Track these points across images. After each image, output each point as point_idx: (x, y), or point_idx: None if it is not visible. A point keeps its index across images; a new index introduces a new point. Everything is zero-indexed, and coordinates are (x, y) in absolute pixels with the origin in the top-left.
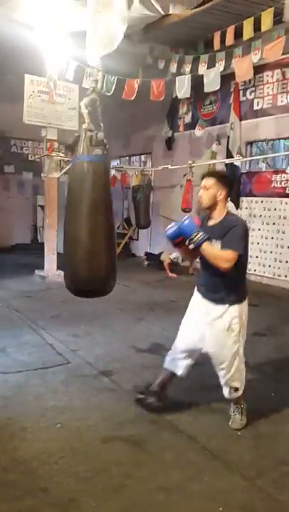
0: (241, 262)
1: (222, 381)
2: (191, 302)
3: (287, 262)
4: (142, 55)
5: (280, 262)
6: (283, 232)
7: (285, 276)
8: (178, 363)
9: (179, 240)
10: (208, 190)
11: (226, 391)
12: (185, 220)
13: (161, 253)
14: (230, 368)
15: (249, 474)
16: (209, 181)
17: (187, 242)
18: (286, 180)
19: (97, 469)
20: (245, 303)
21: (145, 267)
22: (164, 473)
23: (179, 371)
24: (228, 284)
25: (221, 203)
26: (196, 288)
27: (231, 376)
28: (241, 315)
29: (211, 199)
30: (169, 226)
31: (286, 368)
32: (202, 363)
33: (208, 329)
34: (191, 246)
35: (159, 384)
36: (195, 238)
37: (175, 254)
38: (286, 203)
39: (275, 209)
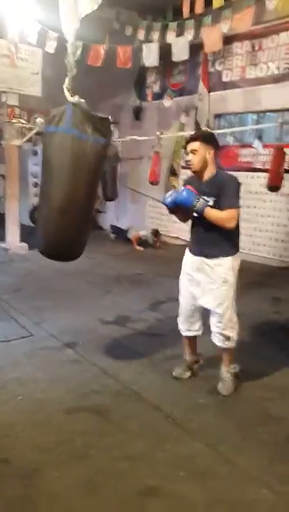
0: (237, 218)
1: (214, 329)
2: (183, 265)
3: (251, 235)
4: (108, 19)
5: (245, 235)
6: (248, 207)
7: (249, 249)
8: (192, 327)
9: (175, 208)
10: (197, 153)
11: (218, 339)
12: (183, 191)
13: (128, 229)
14: (223, 317)
15: (210, 441)
16: (195, 144)
17: (190, 211)
18: (253, 154)
19: (61, 440)
20: (237, 256)
21: (112, 240)
22: (127, 442)
23: (197, 332)
24: (221, 238)
25: (211, 162)
26: (187, 250)
27: (224, 324)
28: (235, 267)
29: (201, 161)
30: (168, 194)
31: (249, 339)
32: (165, 334)
33: (204, 282)
34: (195, 214)
35: (190, 353)
36: (198, 206)
37: (144, 232)
38: (252, 178)
39: (242, 183)
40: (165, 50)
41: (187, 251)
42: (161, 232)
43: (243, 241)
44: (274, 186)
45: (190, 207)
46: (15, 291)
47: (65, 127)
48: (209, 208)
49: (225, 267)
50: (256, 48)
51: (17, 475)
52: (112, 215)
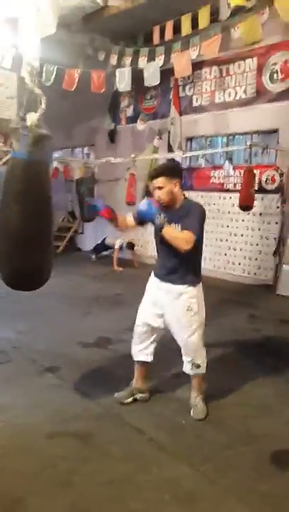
0: (197, 245)
1: (183, 357)
2: (147, 288)
3: (225, 254)
4: (82, 45)
5: (219, 254)
6: (222, 226)
7: (224, 268)
8: (146, 350)
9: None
10: (163, 189)
11: (187, 367)
12: (145, 204)
13: (104, 239)
14: (188, 345)
15: (194, 462)
16: (160, 181)
17: (151, 222)
18: (224, 176)
19: (43, 466)
20: (200, 286)
21: (93, 261)
22: (111, 466)
23: (149, 358)
24: (185, 266)
25: (178, 193)
26: (152, 274)
27: (191, 352)
28: (199, 296)
29: (169, 195)
30: (142, 203)
31: (227, 357)
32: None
33: (169, 308)
34: (154, 231)
35: (138, 379)
36: (157, 222)
37: (120, 241)
38: (224, 198)
39: (215, 204)
40: (137, 75)
41: (152, 274)
42: (137, 252)
43: (218, 260)
44: (245, 206)
45: (150, 220)
46: None
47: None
48: (169, 226)
49: (189, 295)
50: (224, 73)
51: None
52: (90, 236)
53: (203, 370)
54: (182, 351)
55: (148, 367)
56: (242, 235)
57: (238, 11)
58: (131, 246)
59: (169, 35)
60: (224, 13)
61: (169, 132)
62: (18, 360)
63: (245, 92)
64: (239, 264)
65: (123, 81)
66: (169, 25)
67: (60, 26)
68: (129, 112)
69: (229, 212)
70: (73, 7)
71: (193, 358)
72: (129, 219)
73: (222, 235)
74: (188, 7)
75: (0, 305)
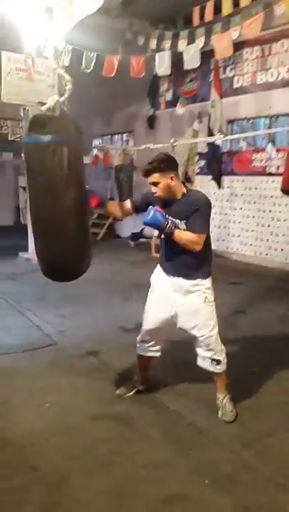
0: (208, 240)
1: (203, 354)
2: (154, 284)
3: (267, 240)
4: (120, 30)
5: (261, 240)
6: (264, 211)
7: (266, 254)
8: (154, 348)
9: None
10: (159, 185)
11: (206, 363)
12: (150, 212)
13: (142, 229)
14: (210, 339)
15: (234, 447)
16: (154, 177)
17: (159, 232)
18: (266, 159)
19: (86, 447)
20: (210, 279)
21: (132, 248)
22: (151, 449)
23: (158, 353)
24: (195, 259)
25: (177, 185)
26: (159, 269)
27: (212, 348)
28: (211, 288)
29: (166, 189)
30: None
31: (265, 343)
32: (184, 341)
33: (183, 305)
34: (163, 236)
35: (141, 372)
36: (167, 228)
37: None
38: (266, 182)
39: (256, 188)
40: (177, 59)
41: (160, 269)
42: None
43: (260, 246)
44: (288, 190)
45: (159, 228)
46: (38, 299)
47: (24, 135)
48: (178, 230)
49: (204, 287)
50: (266, 53)
51: (45, 482)
52: (129, 223)
53: (224, 366)
54: (200, 348)
55: (150, 361)
56: (285, 220)
57: None
58: None
59: (209, 16)
60: None
61: (210, 115)
62: (63, 343)
63: (288, 71)
64: (282, 250)
65: (163, 65)
66: (210, 6)
67: (100, 12)
68: (169, 96)
69: (271, 196)
70: None
71: (214, 354)
72: (127, 207)
73: (264, 220)
74: None
75: (44, 291)
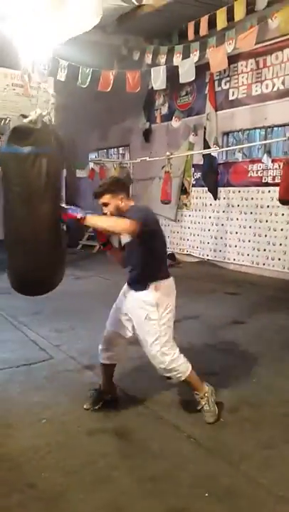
0: (150, 242)
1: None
2: (120, 294)
3: (264, 250)
4: (116, 46)
5: (258, 250)
6: (260, 221)
7: (263, 264)
8: (107, 354)
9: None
10: (110, 205)
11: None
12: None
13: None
14: (151, 354)
15: (233, 459)
16: (105, 198)
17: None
18: (262, 169)
19: (84, 462)
20: (166, 285)
21: None
22: (150, 462)
23: (107, 361)
24: (142, 269)
25: (125, 206)
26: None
27: (155, 363)
28: (160, 300)
29: (116, 209)
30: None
31: (265, 353)
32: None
33: (132, 316)
34: (65, 227)
35: (104, 382)
36: (73, 217)
37: None
38: (263, 192)
39: (252, 198)
40: (172, 73)
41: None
42: (173, 251)
43: (257, 256)
44: (285, 200)
45: (67, 212)
46: (33, 314)
47: (4, 146)
48: (91, 215)
49: (147, 302)
50: (261, 65)
51: (43, 498)
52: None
53: (183, 375)
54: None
55: (113, 369)
56: (281, 230)
57: (275, 0)
58: (172, 257)
59: (204, 30)
60: (261, 3)
61: (205, 128)
62: (59, 358)
63: (283, 83)
64: (279, 259)
65: (158, 79)
66: (204, 20)
67: (95, 28)
68: (164, 110)
69: (268, 206)
70: (108, 8)
71: (159, 371)
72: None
73: (260, 230)
74: (224, 0)
75: (40, 305)
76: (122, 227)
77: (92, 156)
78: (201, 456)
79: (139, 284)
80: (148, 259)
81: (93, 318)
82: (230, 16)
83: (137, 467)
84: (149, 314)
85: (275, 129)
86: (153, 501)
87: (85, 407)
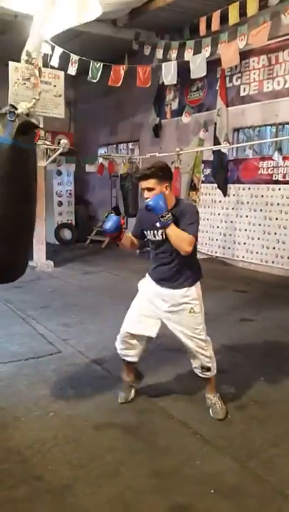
0: (195, 244)
1: (192, 362)
2: (141, 292)
3: (274, 248)
4: (127, 40)
5: (267, 248)
6: (270, 219)
7: (272, 262)
8: (131, 353)
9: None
10: (154, 191)
11: (197, 371)
12: (157, 197)
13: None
14: (197, 349)
15: (240, 457)
16: (150, 183)
17: (159, 217)
18: (273, 166)
19: (91, 456)
20: (199, 285)
21: (137, 256)
22: (156, 458)
23: (135, 358)
24: (184, 268)
25: (170, 194)
26: (148, 278)
27: (198, 354)
28: (200, 295)
29: None
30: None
31: (273, 351)
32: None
33: (169, 313)
34: (159, 224)
35: (128, 374)
36: (166, 217)
37: None
38: (273, 190)
39: (262, 196)
40: (183, 68)
41: (148, 277)
42: None
43: (266, 254)
44: None
45: (159, 214)
46: (42, 308)
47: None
48: (173, 224)
49: (190, 298)
50: (273, 61)
51: (50, 491)
52: None
53: (213, 372)
54: (190, 353)
55: (135, 364)
56: None
57: None
58: None
59: (215, 25)
60: None
61: (215, 124)
62: (67, 352)
63: None
64: (288, 257)
65: (169, 74)
66: (216, 16)
67: (107, 22)
68: (175, 105)
69: (278, 204)
70: (119, 3)
71: (202, 363)
72: (134, 241)
73: (270, 228)
74: None
75: (48, 299)
76: (181, 247)
77: (102, 151)
78: (208, 453)
79: (180, 281)
80: (189, 257)
81: (102, 313)
82: (242, 12)
83: (143, 463)
84: (193, 308)
85: (287, 126)
86: (159, 497)
87: (119, 401)
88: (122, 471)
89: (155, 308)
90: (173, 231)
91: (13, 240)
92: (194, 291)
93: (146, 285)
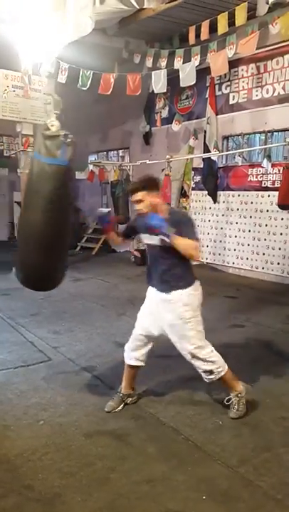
0: None
1: (194, 365)
2: (147, 295)
3: (263, 254)
4: (117, 49)
5: (257, 254)
6: (260, 225)
7: (262, 268)
8: (139, 356)
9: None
10: (143, 202)
11: (202, 375)
12: (152, 216)
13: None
14: (192, 354)
15: (231, 463)
16: (139, 195)
17: (161, 233)
18: (262, 173)
19: (81, 464)
20: (195, 287)
21: (128, 262)
22: (148, 465)
23: (140, 363)
24: (174, 273)
25: (160, 204)
26: (149, 284)
27: (195, 360)
28: (192, 301)
29: (148, 207)
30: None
31: (264, 357)
32: (178, 357)
33: (164, 318)
34: (161, 236)
35: (126, 385)
36: (167, 232)
37: None
38: (262, 197)
39: (252, 202)
40: (173, 76)
41: (149, 286)
42: None
43: (256, 260)
44: (285, 205)
45: (162, 230)
46: (32, 315)
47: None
48: (176, 235)
49: (181, 303)
50: (261, 70)
51: (40, 500)
52: None
53: (218, 374)
54: (187, 359)
55: (137, 371)
56: (281, 234)
57: (277, 6)
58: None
59: (205, 34)
60: (262, 9)
61: (205, 132)
62: (57, 359)
63: (283, 88)
64: (278, 263)
65: (159, 83)
66: (205, 25)
67: (96, 31)
68: (165, 113)
69: (267, 210)
70: (109, 12)
71: (200, 367)
72: (118, 237)
73: (260, 235)
74: (225, 5)
75: (37, 307)
76: (190, 254)
77: (92, 158)
78: (200, 459)
79: (170, 285)
80: (180, 261)
81: (92, 320)
82: (231, 21)
83: (134, 470)
84: (182, 314)
85: (275, 133)
86: (150, 504)
87: (105, 409)
88: (113, 479)
89: (155, 316)
90: (178, 241)
91: (63, 250)
92: (186, 296)
93: (148, 292)
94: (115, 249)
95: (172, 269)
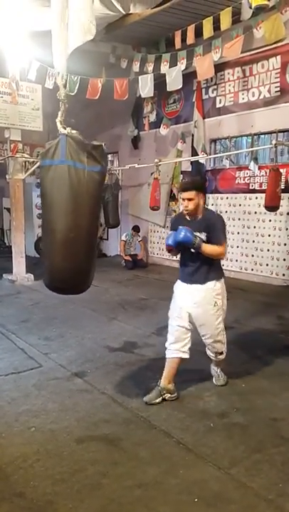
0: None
1: (208, 348)
2: (175, 293)
3: (252, 255)
4: (104, 54)
5: (246, 256)
6: (248, 227)
7: (252, 269)
8: (182, 348)
9: (175, 247)
10: (192, 201)
11: (211, 355)
12: (181, 231)
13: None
14: (215, 337)
15: (223, 464)
16: (191, 194)
17: (190, 247)
18: (249, 176)
19: (73, 470)
20: (224, 280)
21: (119, 267)
22: (139, 469)
23: (186, 355)
24: (208, 266)
25: (202, 205)
26: (179, 280)
27: (216, 343)
28: (223, 290)
29: (196, 206)
30: (168, 235)
31: (254, 358)
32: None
33: (197, 307)
34: (193, 250)
35: (167, 378)
36: (196, 243)
37: (124, 235)
38: (250, 199)
39: (240, 205)
40: (160, 81)
41: (179, 280)
42: (159, 255)
43: (245, 261)
44: (272, 206)
45: (190, 245)
46: (22, 322)
47: (60, 159)
48: (204, 243)
49: (215, 292)
50: (247, 73)
51: (32, 508)
52: (114, 242)
53: (224, 355)
54: (207, 342)
55: (179, 366)
56: (269, 236)
57: (260, 10)
58: (136, 229)
59: (190, 39)
60: (246, 13)
61: (193, 135)
62: (48, 366)
63: (269, 91)
64: (267, 265)
65: (146, 87)
66: (191, 29)
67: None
68: (152, 117)
69: (255, 212)
70: (96, 17)
71: (218, 349)
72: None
73: (248, 236)
74: (210, 9)
75: (28, 313)
76: (217, 255)
77: None
78: (191, 462)
79: (205, 277)
80: (216, 259)
81: (82, 325)
82: (216, 26)
83: (126, 474)
84: (216, 301)
85: (262, 136)
86: (143, 508)
87: (144, 399)
88: (105, 484)
89: (185, 306)
90: (207, 250)
91: (93, 253)
92: (218, 286)
93: (178, 287)
94: (105, 254)
95: (206, 263)
